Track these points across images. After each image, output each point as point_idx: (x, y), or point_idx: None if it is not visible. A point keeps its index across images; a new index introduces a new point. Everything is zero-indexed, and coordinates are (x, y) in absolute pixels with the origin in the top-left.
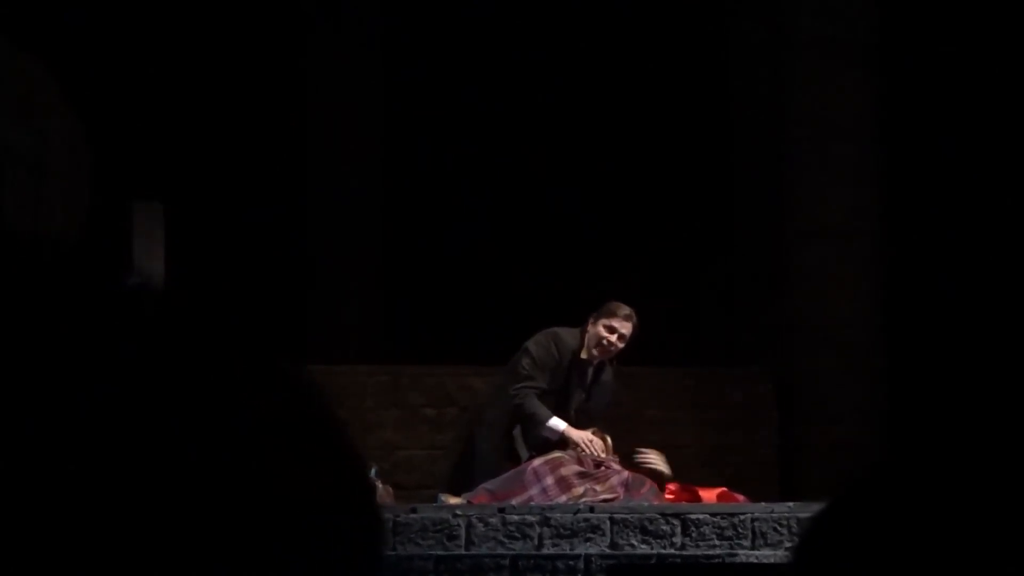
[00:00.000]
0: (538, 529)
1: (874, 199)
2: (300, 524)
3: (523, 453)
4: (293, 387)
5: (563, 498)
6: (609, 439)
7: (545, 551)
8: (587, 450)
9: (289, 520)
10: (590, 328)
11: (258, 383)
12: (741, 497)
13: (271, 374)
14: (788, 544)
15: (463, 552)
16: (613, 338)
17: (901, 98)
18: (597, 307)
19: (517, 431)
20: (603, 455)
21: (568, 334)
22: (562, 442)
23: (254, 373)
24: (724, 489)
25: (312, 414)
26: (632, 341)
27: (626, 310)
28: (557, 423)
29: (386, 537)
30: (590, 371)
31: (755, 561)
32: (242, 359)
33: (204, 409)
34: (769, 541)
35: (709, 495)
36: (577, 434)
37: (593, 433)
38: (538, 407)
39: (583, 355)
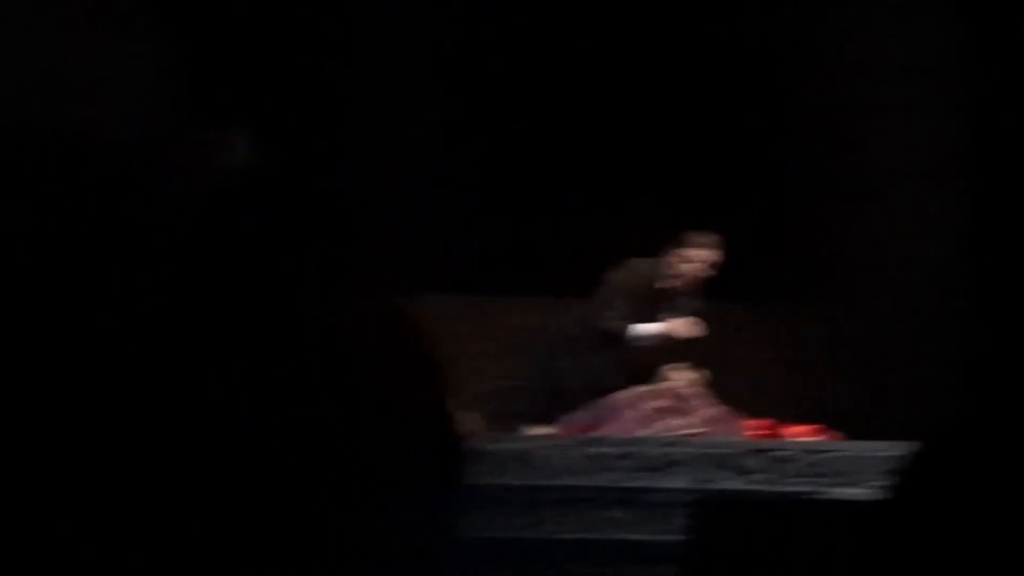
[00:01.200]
0: (622, 462)
1: (962, 138)
2: (380, 452)
3: (607, 384)
4: (385, 318)
5: (648, 431)
6: (696, 373)
7: (630, 484)
8: (682, 334)
9: (371, 448)
10: (671, 258)
11: (351, 313)
12: (831, 434)
13: (364, 305)
14: (876, 483)
15: (547, 483)
16: (694, 268)
17: (995, 30)
18: (678, 239)
19: (601, 363)
20: (690, 388)
21: (648, 264)
22: (648, 371)
23: (347, 303)
24: (813, 426)
25: (400, 345)
26: (714, 271)
27: (707, 240)
28: (645, 328)
29: (464, 467)
30: (672, 301)
31: (843, 498)
32: (333, 288)
33: (294, 334)
34: (857, 479)
35: (797, 432)
36: (670, 324)
37: (679, 367)
38: (622, 325)
39: (664, 285)
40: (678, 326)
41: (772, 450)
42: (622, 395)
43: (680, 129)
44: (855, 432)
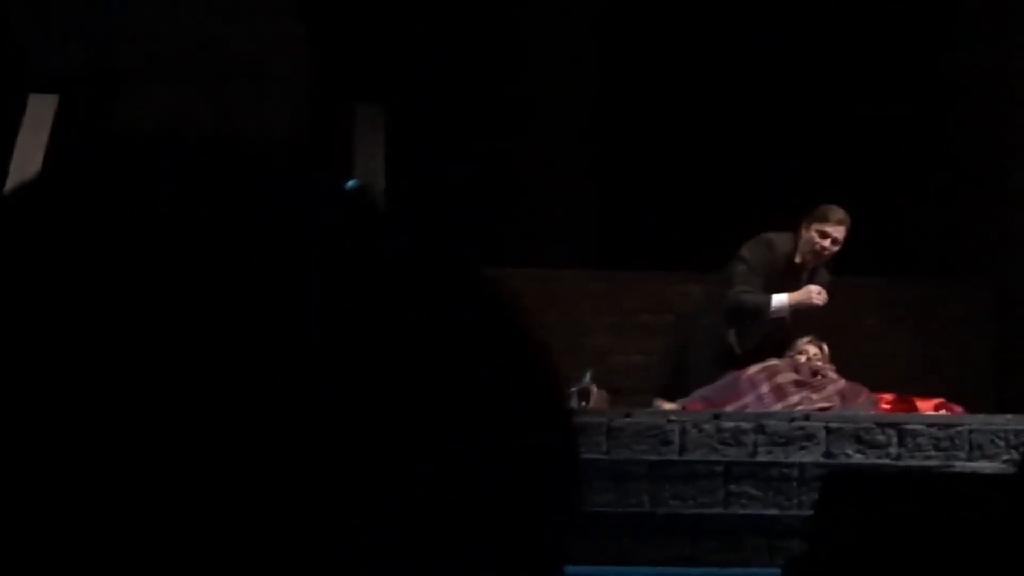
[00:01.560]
0: (752, 437)
1: None
2: (485, 438)
3: (738, 360)
4: (489, 298)
5: (778, 406)
6: (826, 347)
7: (759, 459)
8: (816, 303)
9: (477, 433)
10: (803, 233)
11: (455, 293)
12: (958, 408)
13: (468, 285)
14: (1005, 456)
15: (676, 458)
16: (826, 243)
17: None
18: (810, 211)
19: (733, 338)
20: (819, 362)
21: (781, 239)
22: (779, 346)
23: (453, 283)
24: (941, 400)
25: (504, 328)
26: (846, 244)
27: (839, 213)
28: (780, 299)
29: (578, 460)
30: (804, 276)
31: (971, 471)
32: (443, 268)
33: (400, 316)
34: (986, 453)
35: (926, 406)
36: (800, 293)
37: (810, 341)
38: (757, 297)
39: (796, 260)
40: (811, 295)
41: (901, 424)
42: (753, 370)
43: (815, 106)
44: (984, 406)
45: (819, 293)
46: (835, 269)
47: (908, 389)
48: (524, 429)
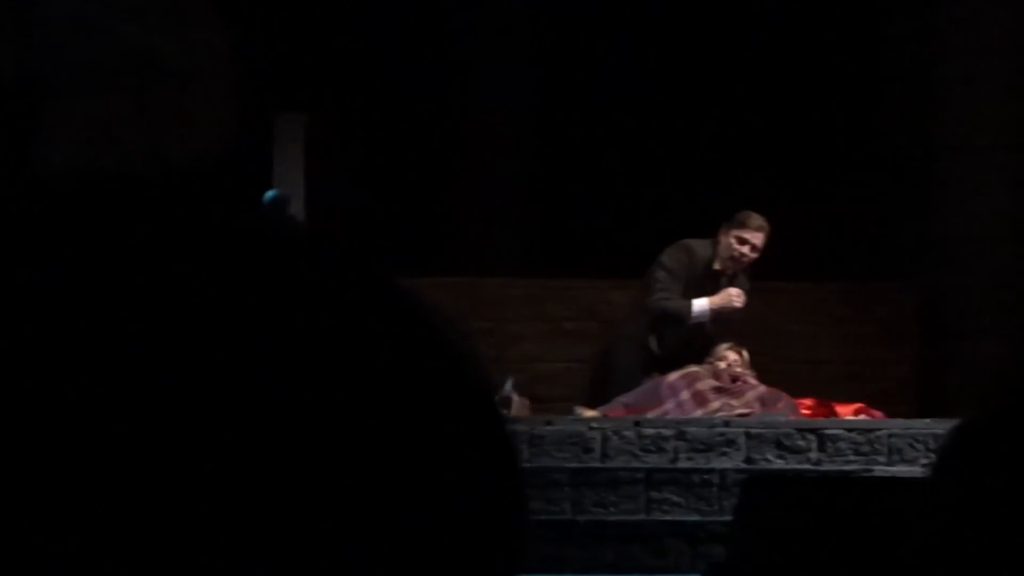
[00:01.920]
0: (673, 443)
1: (1022, 112)
2: (419, 447)
3: (659, 366)
4: (408, 309)
5: (699, 412)
6: (746, 353)
7: (680, 465)
8: (735, 305)
9: (408, 444)
10: (722, 239)
11: (371, 304)
12: (878, 413)
13: (384, 296)
14: (925, 460)
15: (598, 465)
16: (745, 249)
17: None
18: (730, 218)
19: (654, 344)
20: (740, 368)
21: (700, 245)
22: (700, 353)
23: (367, 295)
24: (861, 405)
25: (426, 336)
26: (765, 251)
27: (758, 220)
28: (700, 304)
29: (517, 457)
30: (724, 282)
31: (892, 476)
32: (357, 279)
33: (321, 331)
34: (905, 457)
35: (846, 411)
36: (720, 297)
37: (730, 347)
38: (678, 303)
39: (716, 266)
40: (731, 298)
41: (821, 429)
42: (674, 376)
43: (737, 111)
44: (908, 410)
45: (738, 296)
46: (756, 275)
47: (832, 393)
48: (459, 439)
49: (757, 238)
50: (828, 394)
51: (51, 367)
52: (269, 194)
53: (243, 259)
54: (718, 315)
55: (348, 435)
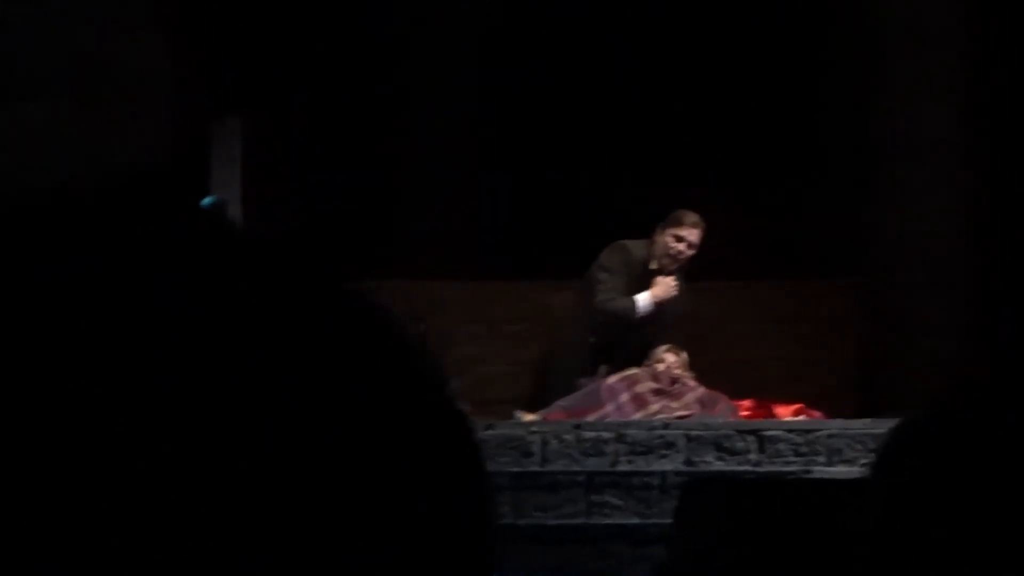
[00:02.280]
0: (613, 446)
1: (965, 111)
2: (380, 443)
3: (601, 369)
4: (361, 312)
5: (638, 415)
6: (685, 355)
7: (620, 468)
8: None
9: (369, 443)
10: (657, 238)
11: (324, 309)
12: (817, 413)
13: (339, 300)
14: (864, 461)
15: (538, 469)
16: (682, 246)
17: (995, 11)
18: (665, 217)
19: (594, 347)
20: (679, 370)
21: (636, 245)
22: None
23: (320, 299)
24: (800, 405)
25: (379, 339)
26: (705, 248)
27: (693, 217)
28: (644, 298)
29: (480, 457)
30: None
31: (831, 477)
32: (309, 285)
33: (272, 335)
34: (845, 457)
35: (785, 411)
36: (659, 288)
37: (668, 349)
38: (623, 302)
39: (653, 265)
40: (669, 287)
41: (760, 431)
42: (613, 379)
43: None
44: (849, 410)
45: (674, 283)
46: (695, 274)
47: (774, 393)
48: (421, 440)
49: (693, 235)
50: (770, 393)
51: None
52: (207, 200)
53: (199, 265)
54: (660, 310)
55: (304, 440)
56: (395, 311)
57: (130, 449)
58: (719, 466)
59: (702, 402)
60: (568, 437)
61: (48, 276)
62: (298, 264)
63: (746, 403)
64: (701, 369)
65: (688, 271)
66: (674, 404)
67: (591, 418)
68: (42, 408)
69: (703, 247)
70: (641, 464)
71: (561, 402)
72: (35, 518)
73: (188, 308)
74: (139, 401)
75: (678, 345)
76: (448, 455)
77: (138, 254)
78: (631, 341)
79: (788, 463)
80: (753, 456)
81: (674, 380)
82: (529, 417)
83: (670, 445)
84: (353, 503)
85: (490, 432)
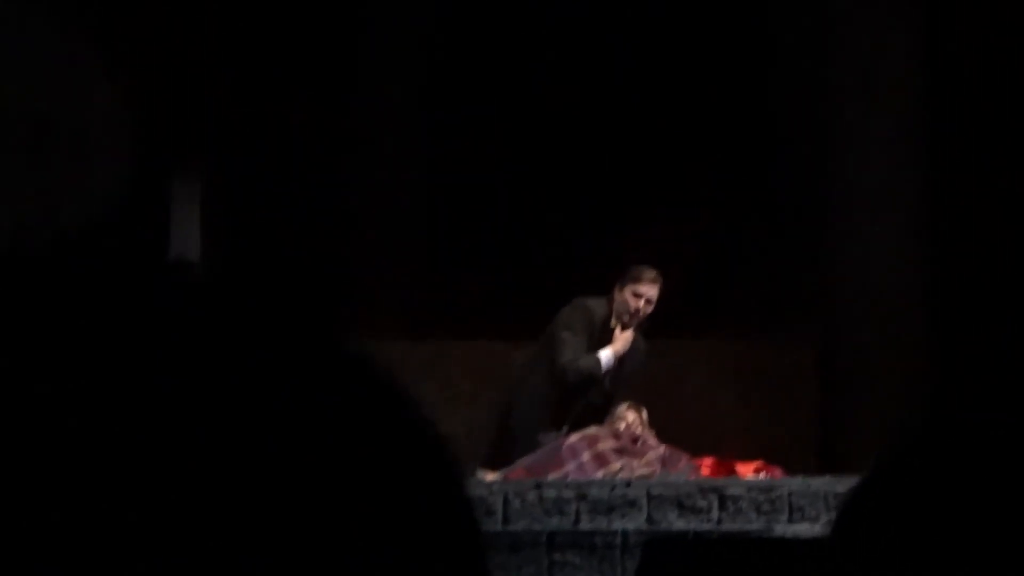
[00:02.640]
0: (575, 505)
1: (918, 166)
2: (383, 506)
3: (562, 428)
4: (352, 364)
5: (600, 473)
6: (645, 413)
7: (582, 527)
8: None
9: (371, 504)
10: (617, 295)
11: (311, 361)
12: (778, 471)
13: (327, 352)
14: (826, 518)
15: (500, 528)
16: (641, 303)
17: (948, 58)
18: (623, 274)
19: (554, 405)
20: (640, 428)
21: (596, 303)
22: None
23: (306, 352)
24: (761, 463)
25: (378, 392)
26: (664, 306)
27: (651, 273)
28: (606, 354)
29: (476, 512)
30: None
31: (793, 536)
32: (293, 338)
33: (256, 393)
34: (807, 515)
35: (746, 469)
36: (620, 342)
37: (629, 407)
38: (588, 360)
39: (612, 323)
40: (627, 339)
41: (721, 489)
42: (574, 438)
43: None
44: (807, 466)
45: (631, 336)
46: (652, 331)
47: (731, 450)
48: (418, 499)
49: (652, 291)
50: (728, 450)
51: None
52: (167, 256)
53: (163, 322)
54: (619, 365)
55: (286, 495)
56: (391, 371)
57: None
58: (681, 524)
59: (663, 460)
60: (530, 496)
61: None
62: (284, 316)
63: (707, 461)
64: (658, 426)
65: (645, 328)
66: (636, 462)
67: (552, 477)
68: None
69: (659, 304)
70: (603, 523)
71: (522, 461)
72: None
73: (151, 363)
74: (91, 467)
75: (638, 403)
76: (441, 515)
77: (91, 311)
78: (591, 398)
79: (750, 521)
80: (715, 514)
81: (635, 438)
82: (490, 476)
83: (632, 504)
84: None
85: None
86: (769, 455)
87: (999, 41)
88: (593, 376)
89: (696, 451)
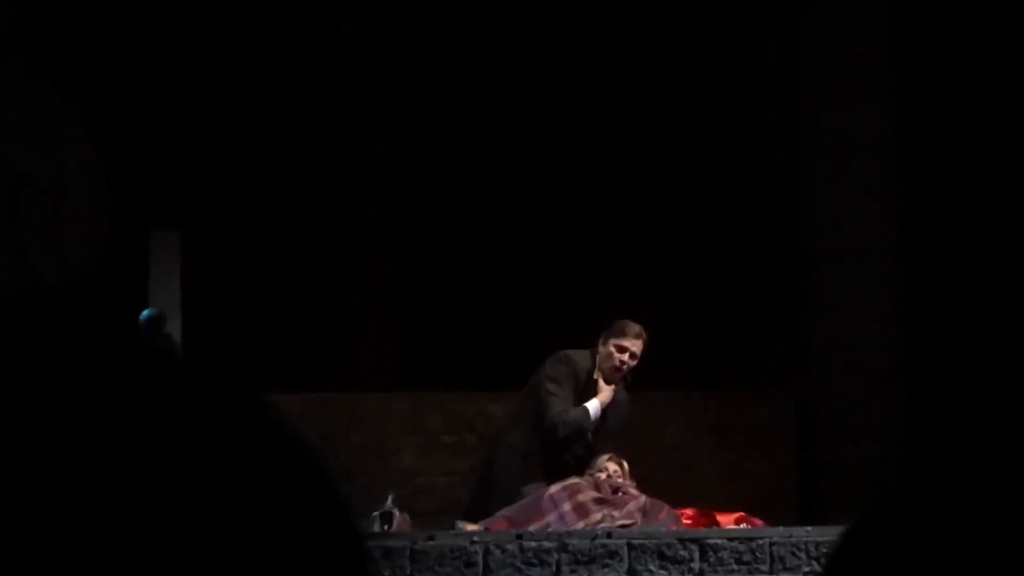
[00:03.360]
0: (556, 555)
1: (893, 218)
2: (273, 558)
3: (542, 478)
4: (255, 420)
5: (580, 524)
6: (626, 464)
7: None
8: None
9: (262, 556)
10: (601, 348)
11: (216, 418)
12: (759, 521)
13: (230, 408)
14: (807, 568)
15: None
16: (625, 357)
17: (920, 117)
18: (607, 327)
19: (535, 456)
20: (620, 478)
21: (579, 355)
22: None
23: (212, 408)
24: (742, 513)
25: (276, 448)
26: (643, 359)
27: (636, 328)
28: (593, 406)
29: (371, 562)
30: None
31: None
32: (201, 394)
33: (164, 448)
34: (788, 565)
35: (727, 519)
36: (604, 393)
37: (610, 458)
38: (576, 412)
39: (596, 375)
40: (611, 390)
41: (703, 539)
42: (555, 488)
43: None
44: (787, 517)
45: (613, 386)
46: (633, 384)
47: (711, 500)
48: (315, 555)
49: (636, 346)
50: (708, 501)
51: None
52: (145, 313)
53: (107, 380)
54: (604, 418)
55: (205, 550)
56: (300, 428)
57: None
58: (662, 575)
59: (644, 511)
60: (510, 547)
61: None
62: (213, 382)
63: (688, 511)
64: (637, 477)
65: (628, 382)
66: (616, 513)
67: (533, 527)
68: None
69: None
70: (584, 573)
71: (503, 511)
72: None
73: (100, 421)
74: (39, 522)
75: (619, 454)
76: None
77: (60, 367)
78: (576, 451)
79: (731, 572)
80: (696, 565)
81: (616, 489)
82: (471, 527)
83: (613, 554)
84: None
85: (431, 543)
86: (749, 506)
87: (972, 94)
88: (582, 428)
89: (674, 501)
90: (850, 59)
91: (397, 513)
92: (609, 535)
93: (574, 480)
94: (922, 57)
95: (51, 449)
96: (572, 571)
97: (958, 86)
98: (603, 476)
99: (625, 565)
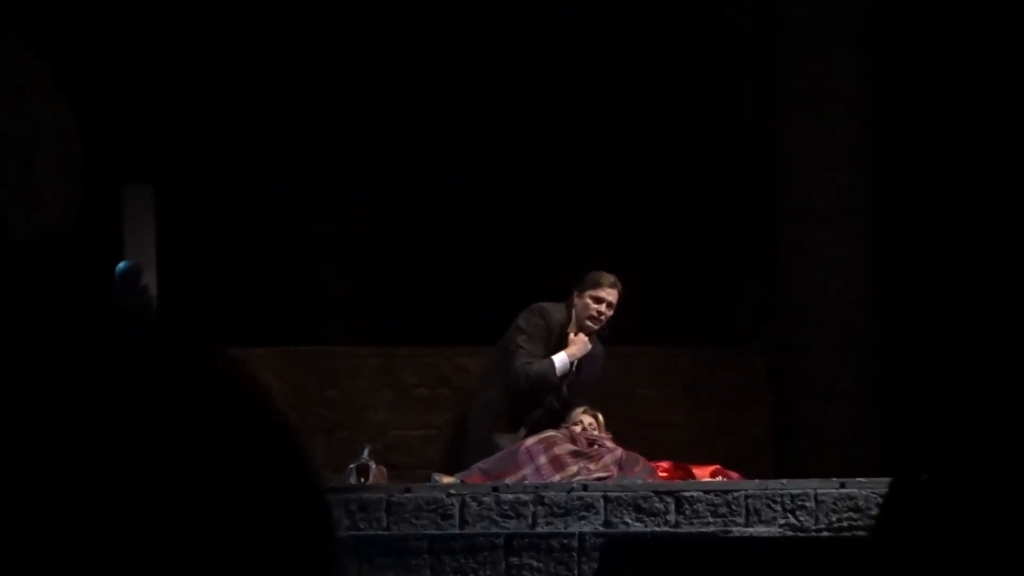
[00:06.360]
0: (532, 508)
1: (866, 179)
2: (233, 510)
3: (519, 431)
4: (214, 373)
5: (556, 477)
6: (601, 417)
7: (539, 529)
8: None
9: (222, 507)
10: (576, 301)
11: (177, 371)
12: (735, 474)
13: (190, 362)
14: (782, 521)
15: (457, 531)
16: (602, 307)
17: (893, 79)
18: (581, 280)
19: (511, 409)
20: (596, 431)
21: (554, 308)
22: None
23: (172, 362)
24: (718, 467)
25: (234, 401)
26: (617, 313)
27: (610, 278)
28: (561, 359)
29: (331, 513)
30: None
31: (747, 536)
32: (159, 348)
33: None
34: (763, 517)
35: (703, 472)
36: (576, 346)
37: (585, 411)
38: (541, 364)
39: (571, 328)
40: (584, 342)
41: (678, 492)
42: (531, 441)
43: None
44: (761, 471)
45: (587, 338)
46: (608, 338)
47: (685, 457)
48: (276, 506)
49: (612, 295)
50: (682, 457)
51: None
52: (121, 265)
53: (82, 333)
54: (577, 370)
55: (167, 505)
56: (262, 382)
57: None
58: (638, 527)
59: (620, 464)
60: (487, 500)
61: None
62: (179, 337)
63: (664, 464)
64: (615, 433)
65: (604, 335)
66: (592, 466)
67: (509, 480)
68: None
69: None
70: (560, 526)
71: (479, 464)
72: None
73: (70, 375)
74: (28, 469)
75: (594, 407)
76: (298, 522)
77: (33, 322)
78: (550, 404)
79: (706, 524)
80: (671, 517)
81: (592, 442)
82: (447, 480)
83: (589, 507)
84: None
85: (408, 495)
86: (725, 461)
87: (945, 55)
88: (547, 381)
89: (650, 457)
90: (825, 19)
91: (373, 465)
92: (585, 488)
93: (550, 433)
94: (897, 17)
95: (29, 401)
96: (548, 523)
97: (933, 45)
98: (578, 429)
99: (601, 518)
